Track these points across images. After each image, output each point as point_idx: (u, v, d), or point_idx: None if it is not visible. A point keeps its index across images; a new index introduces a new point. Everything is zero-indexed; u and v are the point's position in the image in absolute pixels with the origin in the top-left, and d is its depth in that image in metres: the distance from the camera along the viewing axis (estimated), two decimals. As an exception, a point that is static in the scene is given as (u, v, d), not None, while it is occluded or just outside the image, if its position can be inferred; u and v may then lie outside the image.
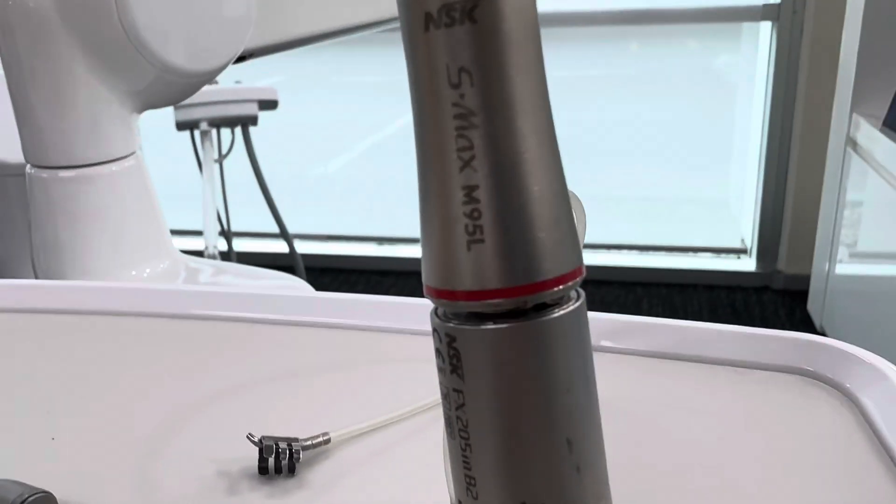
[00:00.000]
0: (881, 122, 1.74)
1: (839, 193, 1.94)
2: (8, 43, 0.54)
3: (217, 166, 1.83)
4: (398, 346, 0.48)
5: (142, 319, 0.52)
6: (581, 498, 0.21)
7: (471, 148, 0.19)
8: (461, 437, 0.21)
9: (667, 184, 2.90)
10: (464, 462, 0.21)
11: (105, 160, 0.56)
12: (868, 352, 0.41)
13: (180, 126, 1.77)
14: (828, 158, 2.03)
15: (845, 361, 0.41)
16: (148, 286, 0.53)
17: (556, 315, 0.20)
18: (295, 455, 0.35)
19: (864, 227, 1.85)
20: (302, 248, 2.20)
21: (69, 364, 0.48)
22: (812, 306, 2.15)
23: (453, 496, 0.23)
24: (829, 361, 0.41)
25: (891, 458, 0.35)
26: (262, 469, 0.36)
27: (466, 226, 0.19)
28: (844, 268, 1.93)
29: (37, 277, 0.60)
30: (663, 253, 2.59)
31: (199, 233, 1.76)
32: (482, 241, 0.19)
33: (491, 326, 0.20)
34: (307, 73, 2.92)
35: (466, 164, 0.19)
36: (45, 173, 0.58)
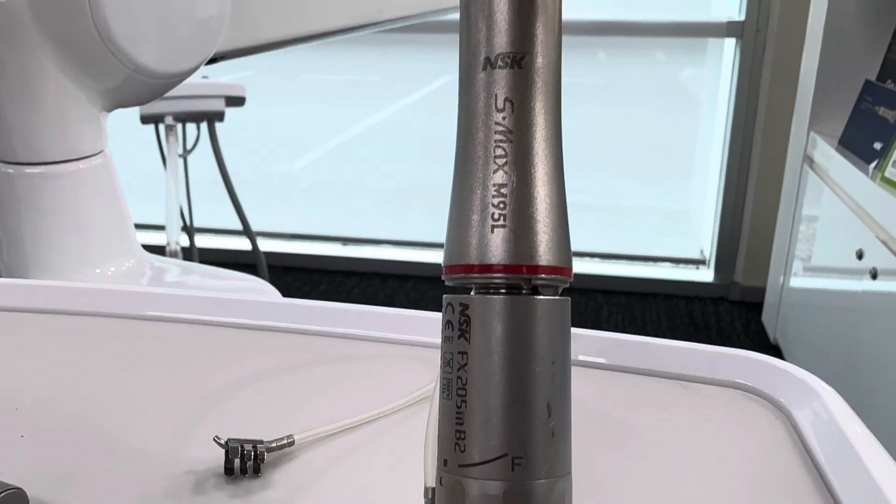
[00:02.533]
0: (837, 142, 1.79)
1: (795, 209, 1.99)
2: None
3: (181, 161, 1.81)
4: (362, 352, 0.49)
5: (110, 320, 0.52)
6: (553, 458, 0.25)
7: (504, 157, 0.25)
8: (458, 395, 0.25)
9: (629, 193, 2.94)
10: (457, 419, 0.25)
11: (72, 158, 0.56)
12: (803, 370, 0.43)
13: (145, 119, 1.75)
14: (785, 174, 2.09)
15: (781, 378, 0.43)
16: (117, 287, 0.53)
17: (548, 298, 0.25)
18: (260, 456, 0.36)
19: (818, 242, 1.90)
20: (265, 246, 2.19)
21: (36, 363, 0.48)
22: (766, 318, 2.20)
23: (429, 480, 0.26)
24: (767, 378, 0.44)
25: (816, 468, 0.38)
26: (228, 470, 0.36)
27: (493, 214, 0.25)
28: (798, 281, 1.98)
29: (0, 274, 0.59)
30: (624, 262, 2.63)
31: (160, 227, 1.74)
32: (504, 226, 0.25)
33: (498, 296, 0.25)
34: (275, 69, 2.90)
35: (500, 168, 0.25)
36: (10, 168, 0.58)
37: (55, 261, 0.56)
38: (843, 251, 1.64)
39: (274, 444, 0.37)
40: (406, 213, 2.98)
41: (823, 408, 0.40)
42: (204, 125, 1.82)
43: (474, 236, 0.25)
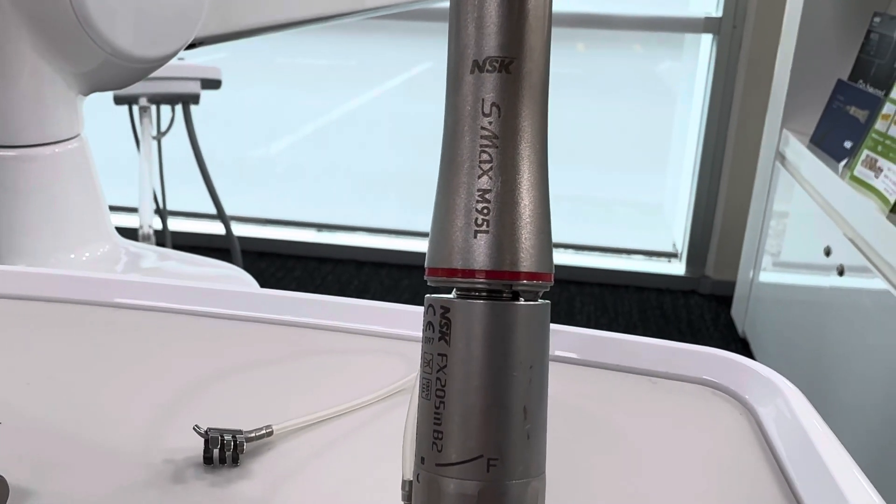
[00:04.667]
0: (809, 139, 1.82)
1: (766, 205, 2.02)
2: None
3: (155, 143, 1.79)
4: (341, 344, 0.49)
5: (88, 308, 0.52)
6: (527, 460, 0.26)
7: (490, 161, 0.25)
8: (437, 396, 0.26)
9: (604, 186, 2.96)
10: (435, 419, 0.26)
11: (48, 141, 0.55)
12: (769, 368, 0.45)
13: (118, 100, 1.73)
14: (757, 170, 2.11)
15: (748, 376, 0.45)
16: (97, 275, 0.53)
17: (528, 304, 0.25)
18: (239, 447, 0.37)
19: (787, 238, 1.93)
20: (239, 230, 2.18)
21: (11, 350, 0.48)
22: (735, 311, 2.24)
23: (407, 472, 0.27)
24: (734, 376, 0.45)
25: (778, 463, 0.39)
26: (207, 459, 0.37)
27: (476, 219, 0.25)
28: (767, 276, 2.01)
29: None
30: (597, 253, 2.65)
31: (133, 209, 1.72)
32: (487, 231, 0.25)
33: (479, 301, 0.25)
34: (251, 52, 2.87)
35: (484, 173, 0.25)
36: None
37: (29, 245, 0.56)
38: (812, 247, 1.67)
39: (253, 434, 0.38)
40: (382, 200, 2.97)
41: (787, 405, 0.41)
42: (179, 107, 1.79)
43: (458, 241, 0.25)
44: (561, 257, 2.60)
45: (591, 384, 0.46)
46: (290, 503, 0.35)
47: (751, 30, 2.25)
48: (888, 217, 1.36)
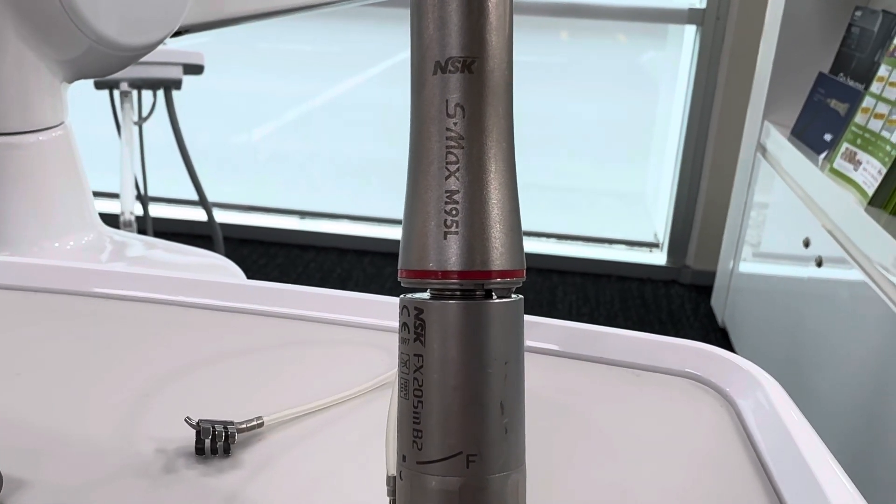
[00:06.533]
0: (790, 132, 1.84)
1: (747, 196, 2.03)
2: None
3: (136, 129, 1.78)
4: (328, 335, 0.50)
5: (75, 298, 0.52)
6: (506, 453, 0.26)
7: (456, 163, 0.25)
8: (415, 395, 0.26)
9: (586, 175, 2.97)
10: (413, 418, 0.26)
11: (32, 129, 0.55)
12: (748, 361, 0.46)
13: (99, 85, 1.71)
14: (738, 162, 2.13)
15: (728, 369, 0.46)
16: (83, 265, 0.53)
17: (500, 301, 0.26)
18: (231, 437, 0.37)
19: (767, 229, 1.95)
20: (221, 217, 2.16)
21: (4, 341, 0.47)
22: (715, 301, 2.26)
23: (391, 468, 0.27)
24: (714, 368, 0.46)
25: (756, 452, 0.40)
26: (199, 450, 0.37)
27: (445, 220, 0.25)
28: (747, 266, 2.03)
29: None
30: (580, 243, 2.67)
31: (114, 195, 1.70)
32: (456, 232, 0.25)
33: (451, 302, 0.25)
34: (233, 37, 2.84)
35: (451, 174, 0.25)
36: None
37: (13, 233, 0.55)
38: (791, 239, 1.69)
39: (244, 426, 0.38)
40: (365, 188, 2.97)
41: (766, 398, 0.42)
42: (161, 92, 1.78)
43: (428, 242, 0.25)
44: (543, 246, 2.61)
45: (574, 377, 0.47)
46: (282, 493, 0.36)
47: (734, 21, 2.26)
48: (866, 209, 1.38)
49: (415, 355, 0.26)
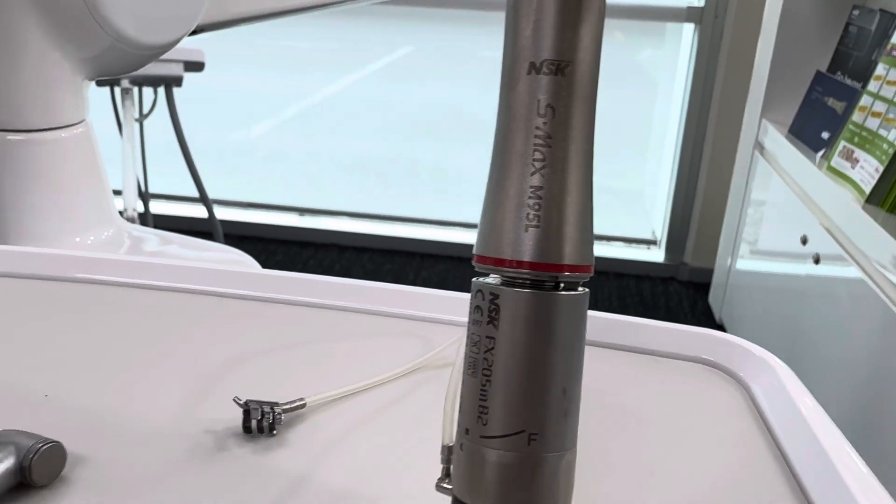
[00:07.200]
0: (787, 130, 1.85)
1: (745, 193, 2.04)
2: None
3: (138, 126, 1.78)
4: (365, 325, 0.53)
5: (118, 289, 0.54)
6: (563, 435, 0.28)
7: (542, 160, 0.27)
8: (484, 374, 0.28)
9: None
10: (481, 396, 0.28)
11: (55, 126, 0.55)
12: (760, 347, 0.49)
13: (100, 82, 1.72)
14: (736, 160, 2.14)
15: (741, 355, 0.49)
16: (125, 258, 0.55)
17: (570, 293, 0.28)
18: (277, 418, 0.40)
19: (764, 227, 1.96)
20: (221, 214, 2.17)
21: (48, 327, 0.49)
22: (713, 298, 2.27)
23: (447, 438, 0.30)
24: (729, 354, 0.49)
25: (770, 433, 0.43)
26: (247, 428, 0.39)
27: (527, 214, 0.27)
28: (744, 263, 2.05)
29: None
30: (578, 240, 2.67)
31: (116, 192, 1.71)
32: (537, 226, 0.27)
33: (526, 291, 0.27)
34: (232, 33, 2.84)
35: (537, 171, 0.27)
36: None
37: (36, 228, 0.56)
38: (789, 236, 1.70)
39: (288, 406, 0.41)
40: (363, 184, 2.97)
41: (777, 381, 0.45)
42: (161, 89, 1.78)
43: (508, 233, 0.27)
44: (542, 243, 2.62)
45: (596, 363, 0.49)
46: (325, 469, 0.38)
47: (732, 20, 2.27)
48: (863, 207, 1.39)
49: (486, 337, 0.28)
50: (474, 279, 0.29)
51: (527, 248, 0.27)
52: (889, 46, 1.52)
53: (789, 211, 1.74)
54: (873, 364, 1.30)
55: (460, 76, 2.94)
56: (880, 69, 1.52)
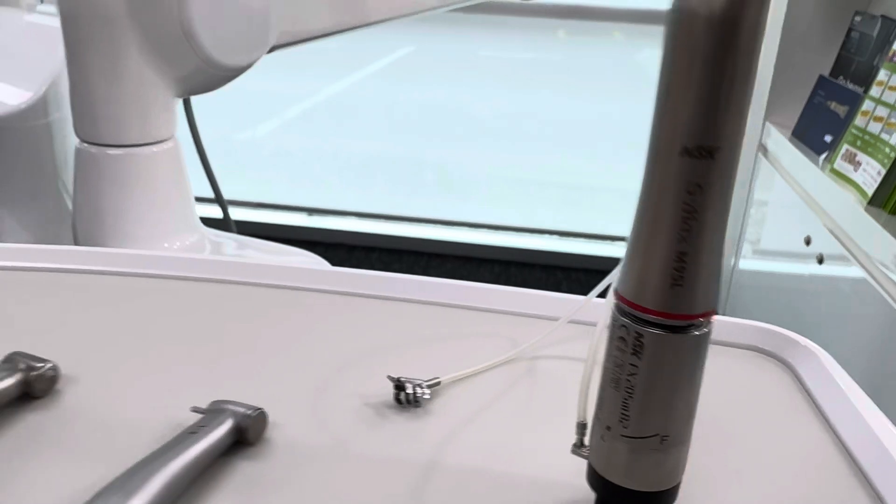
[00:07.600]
0: (790, 133, 1.89)
1: (748, 194, 2.08)
2: (74, 30, 0.56)
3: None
4: (468, 321, 0.62)
5: (273, 290, 0.64)
6: (687, 436, 0.37)
7: (689, 231, 0.32)
8: (626, 391, 0.35)
9: (588, 172, 3.01)
10: (623, 407, 0.36)
11: (149, 141, 0.59)
12: (804, 338, 0.56)
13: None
14: (740, 161, 2.17)
15: (788, 344, 0.56)
16: (283, 265, 0.65)
17: (699, 333, 0.34)
18: (422, 391, 0.48)
19: (767, 227, 1.99)
20: (230, 213, 2.19)
21: (212, 318, 0.59)
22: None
23: (581, 416, 0.38)
24: (778, 344, 0.57)
25: (820, 412, 0.50)
26: (398, 400, 0.48)
27: (674, 276, 0.33)
28: (747, 263, 2.08)
29: (77, 243, 0.62)
30: (582, 239, 2.71)
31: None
32: (681, 286, 0.33)
33: (666, 334, 0.34)
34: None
35: (683, 239, 0.32)
36: (94, 149, 0.61)
37: (131, 233, 0.60)
38: (792, 237, 1.74)
39: (429, 383, 0.49)
40: (371, 184, 3.00)
41: (821, 366, 0.53)
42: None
43: (655, 287, 0.33)
44: (547, 243, 2.66)
45: None
46: (467, 432, 0.47)
47: (734, 24, 2.30)
48: (866, 209, 1.42)
49: (630, 364, 0.35)
50: (614, 310, 0.35)
51: (671, 303, 0.33)
52: (891, 52, 1.56)
53: (793, 212, 1.77)
54: (876, 362, 1.33)
55: (462, 76, 2.96)
56: (882, 75, 1.56)
